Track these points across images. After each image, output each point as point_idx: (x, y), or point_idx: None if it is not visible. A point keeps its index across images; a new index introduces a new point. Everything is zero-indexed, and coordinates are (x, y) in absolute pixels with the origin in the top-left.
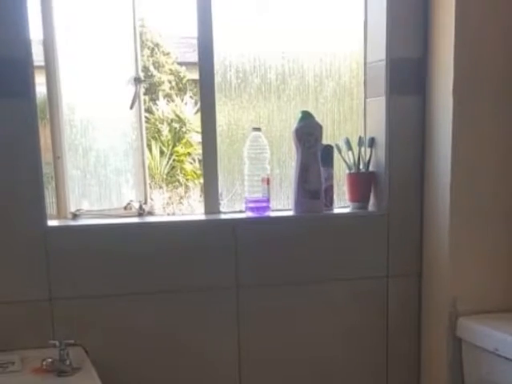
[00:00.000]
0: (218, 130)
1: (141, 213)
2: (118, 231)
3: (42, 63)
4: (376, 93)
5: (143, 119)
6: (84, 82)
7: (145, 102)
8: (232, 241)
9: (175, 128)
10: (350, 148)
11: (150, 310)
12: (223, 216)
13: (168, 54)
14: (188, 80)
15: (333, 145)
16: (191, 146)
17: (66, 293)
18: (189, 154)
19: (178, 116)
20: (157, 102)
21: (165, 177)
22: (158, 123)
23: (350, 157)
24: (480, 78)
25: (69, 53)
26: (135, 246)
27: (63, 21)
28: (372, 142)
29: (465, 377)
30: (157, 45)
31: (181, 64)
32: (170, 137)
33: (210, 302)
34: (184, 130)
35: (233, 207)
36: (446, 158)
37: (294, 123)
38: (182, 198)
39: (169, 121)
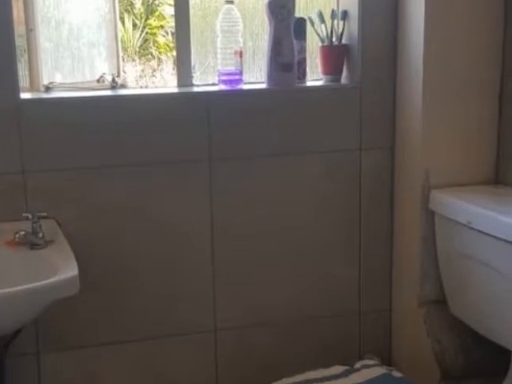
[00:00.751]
0: (191, 2)
1: (114, 85)
2: (90, 104)
3: None
4: None
5: None
6: None
7: None
8: (205, 113)
9: (148, 0)
10: (322, 21)
11: (122, 183)
12: (196, 89)
13: None
14: None
15: (305, 17)
16: (164, 18)
17: (38, 166)
18: (161, 26)
19: None
20: None
21: (137, 50)
22: None
23: (322, 30)
24: None
25: None
26: (108, 119)
27: None
28: (345, 15)
29: (437, 249)
30: None
31: None
32: (142, 9)
33: (183, 176)
34: (157, 2)
35: (206, 80)
36: (418, 31)
37: None
38: (154, 70)
39: None
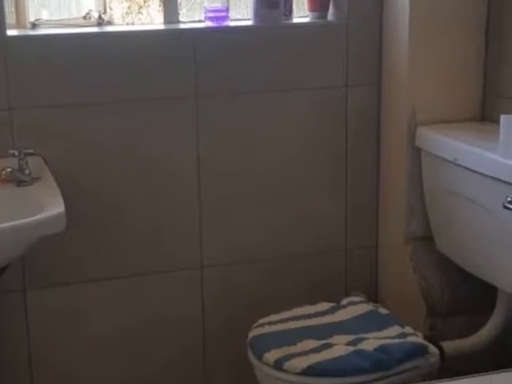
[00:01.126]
0: None
1: (100, 22)
2: (77, 41)
3: None
4: None
5: None
6: None
7: None
8: (191, 50)
9: None
10: None
11: (109, 119)
12: (182, 26)
13: None
14: None
15: None
16: None
17: (25, 102)
18: None
19: None
20: None
21: None
22: None
23: None
24: None
25: None
26: (95, 56)
27: None
28: None
29: (424, 186)
30: None
31: None
32: None
33: (170, 112)
34: None
35: (192, 17)
36: None
37: None
38: (141, 7)
39: None
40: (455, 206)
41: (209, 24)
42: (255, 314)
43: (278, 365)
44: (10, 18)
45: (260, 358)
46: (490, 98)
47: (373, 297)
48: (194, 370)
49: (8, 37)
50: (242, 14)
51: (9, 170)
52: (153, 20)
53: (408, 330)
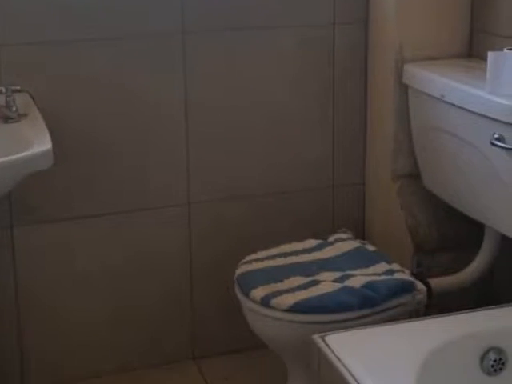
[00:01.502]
0: None
1: None
2: None
3: None
4: None
5: None
6: None
7: None
8: None
9: None
10: None
11: (97, 56)
12: None
13: None
14: None
15: None
16: None
17: (11, 39)
18: None
19: None
20: None
21: None
22: None
23: None
24: None
25: None
26: None
27: None
28: None
29: (411, 123)
30: None
31: None
32: None
33: (156, 49)
34: None
35: None
36: None
37: None
38: None
39: None
40: (442, 143)
41: None
42: (242, 251)
43: (264, 301)
44: None
45: (247, 294)
46: (478, 35)
47: (360, 234)
48: (182, 307)
49: None
50: None
51: None
52: None
53: (395, 266)
